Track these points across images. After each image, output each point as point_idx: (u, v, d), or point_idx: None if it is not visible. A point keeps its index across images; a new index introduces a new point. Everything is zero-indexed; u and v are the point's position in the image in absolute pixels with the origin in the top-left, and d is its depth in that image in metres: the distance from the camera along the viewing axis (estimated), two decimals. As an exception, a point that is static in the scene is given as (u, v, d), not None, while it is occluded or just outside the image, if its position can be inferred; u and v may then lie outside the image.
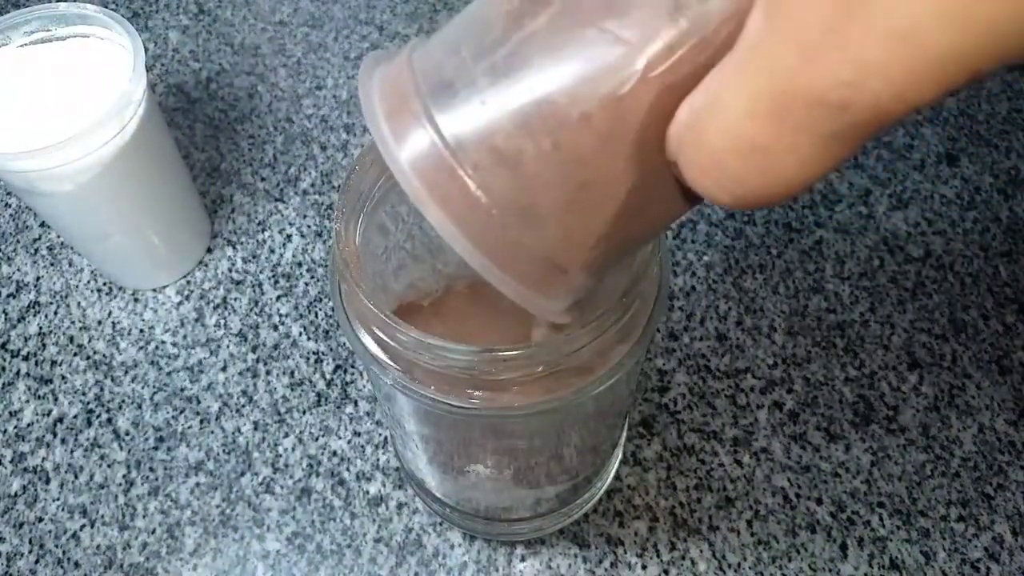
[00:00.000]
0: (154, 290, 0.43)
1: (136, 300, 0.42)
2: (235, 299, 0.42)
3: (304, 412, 0.39)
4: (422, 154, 0.16)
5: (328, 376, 0.40)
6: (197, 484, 0.37)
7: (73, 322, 0.42)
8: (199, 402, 0.39)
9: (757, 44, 0.13)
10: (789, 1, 0.12)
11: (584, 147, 0.16)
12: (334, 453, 0.37)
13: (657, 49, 0.14)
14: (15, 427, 0.39)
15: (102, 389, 0.40)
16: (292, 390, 0.39)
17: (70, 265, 0.44)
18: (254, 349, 0.40)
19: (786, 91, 0.12)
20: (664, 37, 0.14)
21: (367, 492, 0.36)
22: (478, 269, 0.17)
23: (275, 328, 0.41)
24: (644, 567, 0.34)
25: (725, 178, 0.14)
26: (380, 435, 0.38)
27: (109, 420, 0.39)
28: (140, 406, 0.39)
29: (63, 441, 0.38)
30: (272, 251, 0.44)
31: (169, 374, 0.40)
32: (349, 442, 0.38)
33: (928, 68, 0.11)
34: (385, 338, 0.22)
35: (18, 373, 0.40)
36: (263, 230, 0.44)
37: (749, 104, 0.13)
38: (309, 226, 0.44)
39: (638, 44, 0.14)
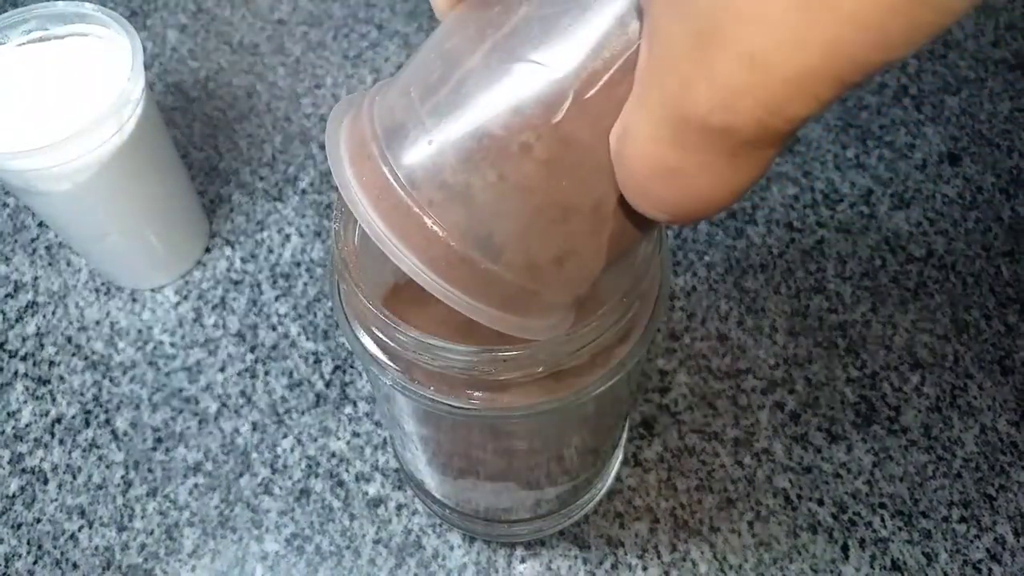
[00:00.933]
0: (152, 290, 0.42)
1: (134, 300, 0.42)
2: (233, 299, 0.42)
3: (303, 413, 0.38)
4: (381, 194, 0.17)
5: (327, 377, 0.39)
6: (196, 485, 0.37)
7: (71, 322, 0.42)
8: (197, 403, 0.39)
9: (646, 73, 0.13)
10: (659, 31, 0.12)
11: (529, 176, 0.16)
12: (333, 454, 0.37)
13: (585, 75, 0.15)
14: (13, 427, 0.39)
15: (100, 389, 0.39)
16: (291, 391, 0.39)
17: (68, 265, 0.44)
18: (252, 349, 0.40)
19: (677, 117, 0.13)
20: (590, 64, 0.15)
21: (366, 493, 0.36)
22: (444, 299, 0.17)
23: (274, 328, 0.41)
24: (645, 568, 0.34)
25: (652, 199, 0.14)
26: (379, 436, 0.38)
27: (107, 421, 0.39)
28: (138, 407, 0.39)
29: (61, 442, 0.38)
30: (271, 251, 0.44)
31: (167, 374, 0.40)
32: (348, 443, 0.38)
33: (790, 87, 0.11)
34: (384, 338, 0.22)
35: (16, 373, 0.40)
36: (262, 230, 0.44)
37: (652, 131, 0.13)
38: (308, 226, 0.44)
39: (566, 73, 0.15)
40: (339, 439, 0.38)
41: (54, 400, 0.39)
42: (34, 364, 0.40)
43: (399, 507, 0.36)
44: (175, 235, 0.41)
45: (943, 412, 0.38)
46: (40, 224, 0.45)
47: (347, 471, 0.37)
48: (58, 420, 0.39)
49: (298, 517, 0.36)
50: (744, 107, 0.12)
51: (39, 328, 0.42)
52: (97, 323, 0.42)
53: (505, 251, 0.17)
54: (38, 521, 0.36)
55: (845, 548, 0.35)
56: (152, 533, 0.36)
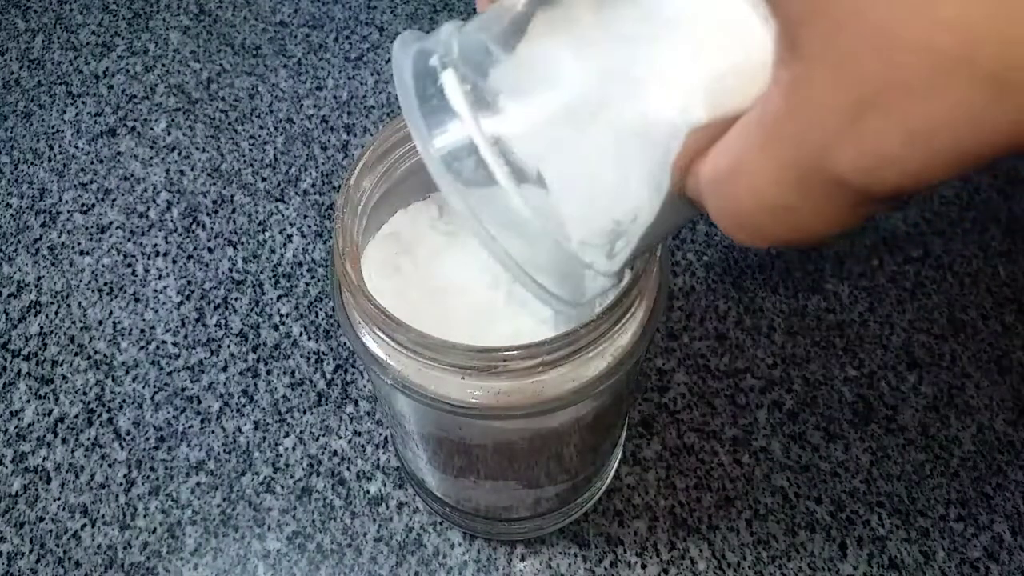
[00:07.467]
0: (155, 290, 0.43)
1: (137, 300, 0.42)
2: (236, 299, 0.42)
3: (305, 412, 0.39)
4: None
5: (328, 376, 0.40)
6: (198, 484, 0.37)
7: (74, 322, 0.42)
8: (200, 402, 0.39)
9: (781, 119, 0.13)
10: (806, 87, 0.12)
11: None
12: (334, 452, 0.38)
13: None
14: (16, 427, 0.39)
15: (103, 389, 0.40)
16: (293, 390, 0.39)
17: (71, 265, 0.44)
18: (255, 349, 0.41)
19: (810, 168, 0.13)
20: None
21: (367, 491, 0.36)
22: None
23: (276, 328, 0.41)
24: (644, 566, 0.34)
25: (752, 230, 0.15)
26: (380, 435, 0.38)
27: (110, 420, 0.39)
28: (141, 406, 0.39)
29: (64, 441, 0.38)
30: (273, 251, 0.44)
31: (170, 374, 0.40)
32: (349, 442, 0.38)
33: (947, 163, 0.11)
34: (385, 338, 0.22)
35: (19, 373, 0.40)
36: (264, 230, 0.45)
37: (778, 174, 0.13)
38: (310, 226, 0.45)
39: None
40: (340, 438, 0.38)
41: (57, 399, 0.40)
42: (37, 364, 0.41)
43: (400, 505, 0.36)
44: None
45: (940, 411, 0.38)
46: (43, 224, 0.45)
47: (348, 470, 0.37)
48: (61, 419, 0.39)
49: (300, 515, 0.36)
50: (889, 175, 0.12)
51: (42, 328, 0.42)
52: (100, 323, 0.42)
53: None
54: (41, 520, 0.36)
55: (843, 546, 0.35)
56: (154, 532, 0.36)
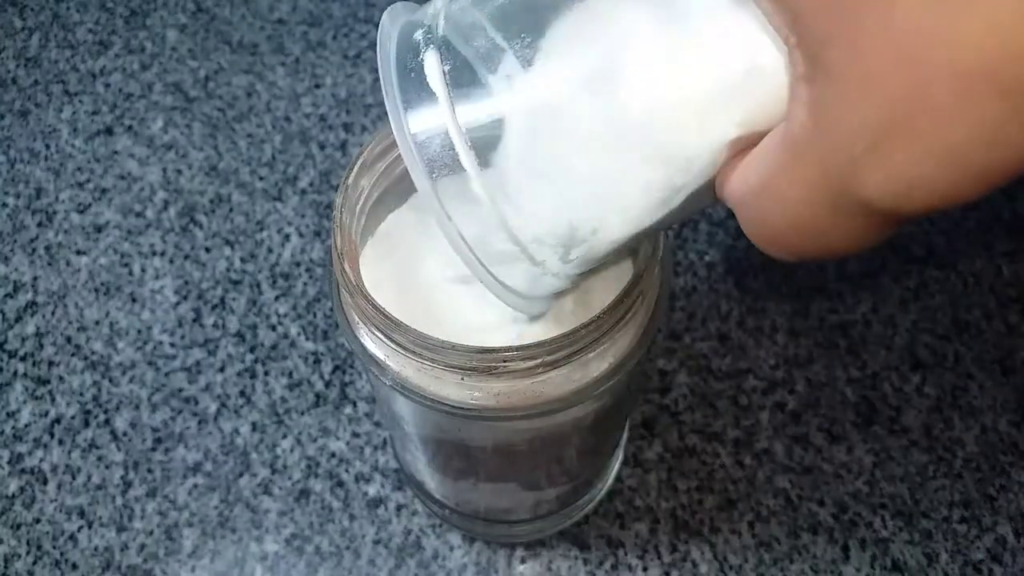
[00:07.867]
0: (152, 290, 0.42)
1: (133, 300, 0.42)
2: (233, 299, 0.42)
3: (302, 413, 0.38)
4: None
5: (327, 377, 0.39)
6: (195, 485, 0.37)
7: (71, 322, 0.42)
8: (197, 403, 0.39)
9: (807, 142, 0.13)
10: (830, 110, 0.12)
11: None
12: (333, 454, 0.37)
13: None
14: (12, 428, 0.39)
15: (100, 390, 0.39)
16: (290, 391, 0.39)
17: (67, 265, 0.43)
18: (252, 349, 0.40)
19: (837, 192, 0.13)
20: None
21: (366, 493, 0.36)
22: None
23: (273, 328, 0.41)
24: (645, 569, 0.34)
25: (784, 247, 0.15)
26: (379, 436, 0.38)
27: (107, 421, 0.39)
28: (138, 407, 0.39)
29: (60, 442, 0.38)
30: (270, 251, 0.44)
31: (167, 375, 0.40)
32: (348, 443, 0.38)
33: (974, 180, 0.11)
34: (383, 338, 0.22)
35: (15, 373, 0.40)
36: (261, 229, 0.44)
37: (806, 194, 0.13)
38: (308, 226, 0.44)
39: None
40: (339, 439, 0.38)
41: (53, 400, 0.39)
42: (33, 364, 0.40)
43: (399, 507, 0.36)
44: None
45: (944, 412, 0.38)
46: (39, 224, 0.45)
47: (347, 471, 0.37)
48: (57, 420, 0.39)
49: (298, 517, 0.36)
50: (918, 197, 0.12)
51: (38, 328, 0.41)
52: (96, 323, 0.41)
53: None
54: (37, 521, 0.36)
55: (846, 548, 0.35)
56: (151, 533, 0.36)
